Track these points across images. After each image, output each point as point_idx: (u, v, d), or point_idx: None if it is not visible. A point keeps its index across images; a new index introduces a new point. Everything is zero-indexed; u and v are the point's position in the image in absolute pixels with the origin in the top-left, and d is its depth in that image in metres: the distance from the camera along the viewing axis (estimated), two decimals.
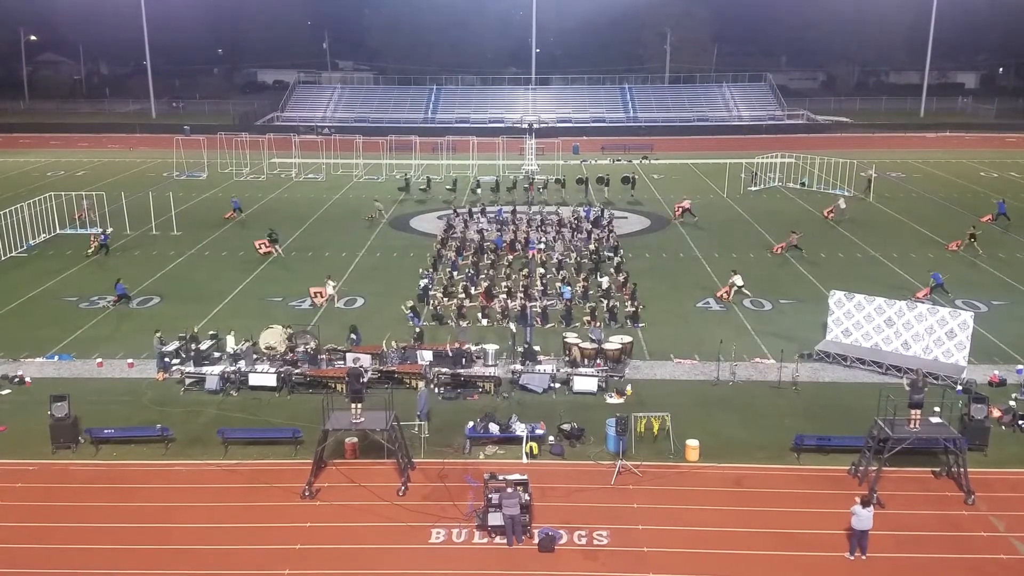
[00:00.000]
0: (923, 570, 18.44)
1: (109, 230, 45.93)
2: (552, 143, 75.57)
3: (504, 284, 35.89)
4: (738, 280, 35.95)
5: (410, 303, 33.53)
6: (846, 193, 55.81)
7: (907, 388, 21.99)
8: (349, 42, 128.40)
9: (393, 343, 28.57)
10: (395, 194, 57.56)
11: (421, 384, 26.75)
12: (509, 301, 33.57)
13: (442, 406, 26.11)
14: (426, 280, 36.23)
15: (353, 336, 29.86)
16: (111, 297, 35.31)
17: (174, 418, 24.98)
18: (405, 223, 50.53)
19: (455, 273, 38.34)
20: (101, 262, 41.93)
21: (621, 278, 36.92)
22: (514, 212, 49.45)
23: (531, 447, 23.06)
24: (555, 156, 72.37)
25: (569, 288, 35.21)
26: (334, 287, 35.71)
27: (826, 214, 50.91)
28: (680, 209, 50.97)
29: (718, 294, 35.96)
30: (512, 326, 30.49)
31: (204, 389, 26.94)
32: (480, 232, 44.98)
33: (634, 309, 33.09)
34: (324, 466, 22.19)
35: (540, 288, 35.79)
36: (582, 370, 27.48)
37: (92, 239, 43.86)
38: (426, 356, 27.88)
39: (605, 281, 36.27)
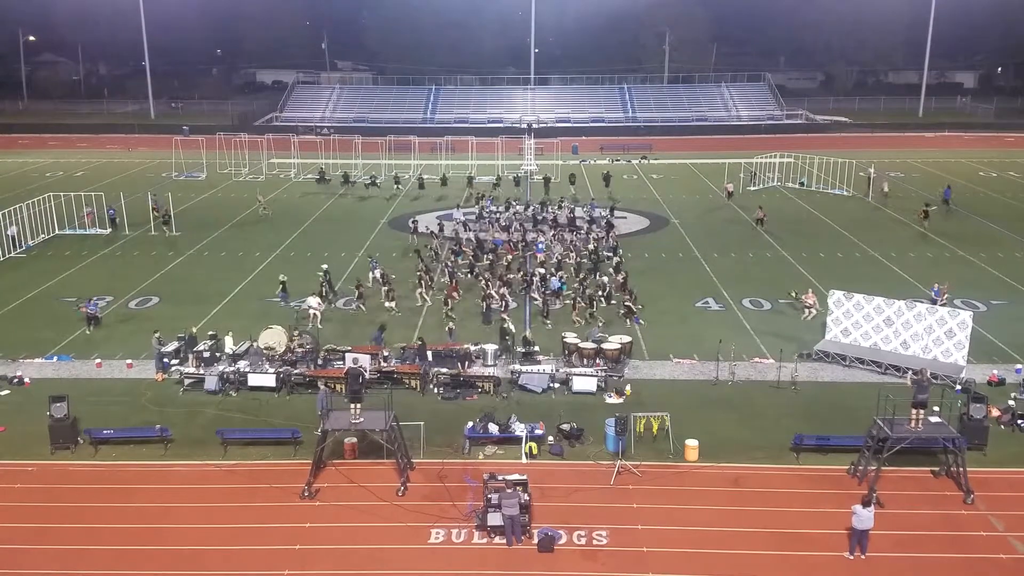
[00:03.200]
0: (922, 570, 18.44)
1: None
2: (551, 143, 75.59)
3: (487, 281, 36.02)
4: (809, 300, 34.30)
5: (283, 277, 34.37)
6: (890, 174, 59.38)
7: (912, 386, 21.97)
8: (348, 42, 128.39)
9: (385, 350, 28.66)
10: (311, 188, 59.91)
11: (321, 383, 26.61)
12: (489, 294, 33.94)
13: (442, 406, 26.14)
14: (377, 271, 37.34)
15: (380, 335, 29.86)
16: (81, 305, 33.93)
17: (173, 419, 24.97)
18: (404, 223, 50.49)
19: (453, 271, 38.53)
20: (101, 264, 42.02)
21: (620, 278, 36.91)
22: (510, 208, 49.82)
23: (530, 447, 23.06)
24: (554, 156, 72.38)
25: (556, 279, 35.63)
26: (318, 303, 33.37)
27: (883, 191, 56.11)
28: (727, 192, 55.42)
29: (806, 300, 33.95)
30: (511, 326, 30.45)
31: (203, 389, 26.94)
32: (476, 236, 45.01)
33: (628, 307, 33.10)
34: (323, 466, 22.18)
35: (540, 287, 35.84)
36: (581, 370, 27.48)
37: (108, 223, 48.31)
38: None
39: (605, 281, 36.27)
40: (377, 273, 37.75)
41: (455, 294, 35.24)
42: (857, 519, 18.62)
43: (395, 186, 59.12)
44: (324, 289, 35.48)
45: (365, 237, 47.00)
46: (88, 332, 32.26)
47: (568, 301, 33.90)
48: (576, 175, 61.49)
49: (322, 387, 26.15)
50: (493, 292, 34.25)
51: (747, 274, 39.76)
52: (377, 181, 59.81)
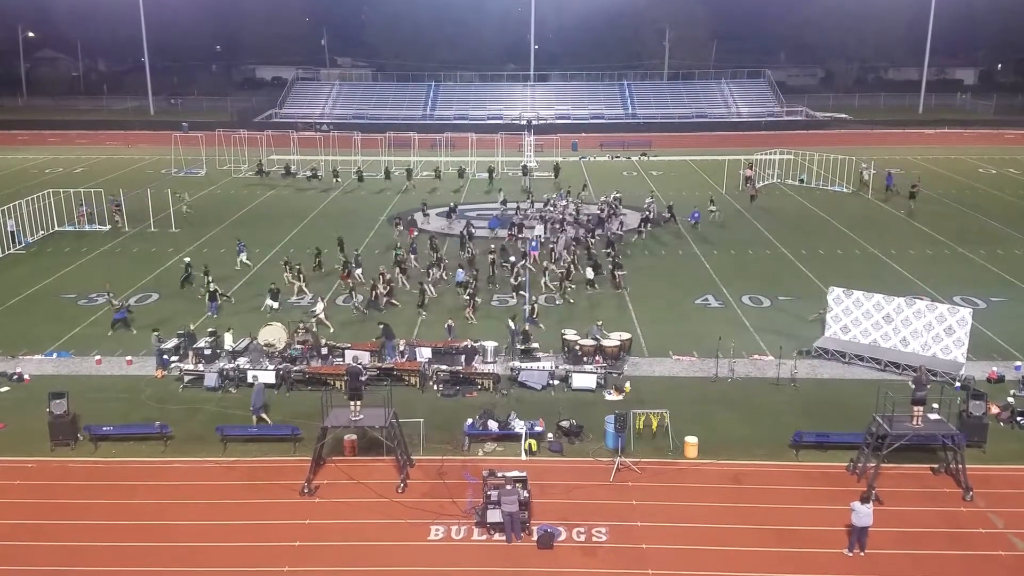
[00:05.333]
0: (921, 566, 18.46)
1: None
2: (551, 140, 75.56)
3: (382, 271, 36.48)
4: None
5: (213, 287, 34.34)
6: (870, 169, 58.62)
7: (911, 385, 21.97)
8: (347, 39, 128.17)
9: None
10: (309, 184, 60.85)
11: (254, 378, 26.61)
12: (379, 285, 34.54)
13: (441, 403, 26.15)
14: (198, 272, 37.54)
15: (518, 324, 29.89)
16: (109, 296, 34.77)
17: (173, 415, 24.99)
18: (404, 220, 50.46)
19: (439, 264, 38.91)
20: (100, 260, 42.00)
21: (619, 275, 36.87)
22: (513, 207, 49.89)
23: (530, 444, 23.08)
24: (554, 152, 72.34)
25: (462, 271, 36.45)
26: (323, 308, 32.84)
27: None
28: (747, 178, 56.26)
29: None
30: (511, 323, 30.43)
31: (203, 386, 26.93)
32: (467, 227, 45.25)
33: (532, 307, 32.89)
34: (323, 463, 22.19)
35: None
36: (581, 367, 27.47)
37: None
38: (424, 353, 27.90)
39: (589, 272, 36.55)
40: (243, 257, 39.63)
41: (348, 281, 36.16)
42: (856, 516, 18.63)
43: (334, 179, 61.03)
44: (183, 281, 36.71)
45: (365, 233, 46.96)
46: (111, 333, 31.81)
47: (466, 297, 33.99)
48: (528, 167, 63.46)
49: (256, 382, 26.10)
50: (380, 282, 34.78)
51: (747, 271, 39.76)
52: (318, 174, 61.86)
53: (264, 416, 24.54)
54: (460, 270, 36.87)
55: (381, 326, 28.98)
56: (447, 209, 50.11)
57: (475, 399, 26.22)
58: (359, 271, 37.41)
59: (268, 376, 26.95)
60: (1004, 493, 21.14)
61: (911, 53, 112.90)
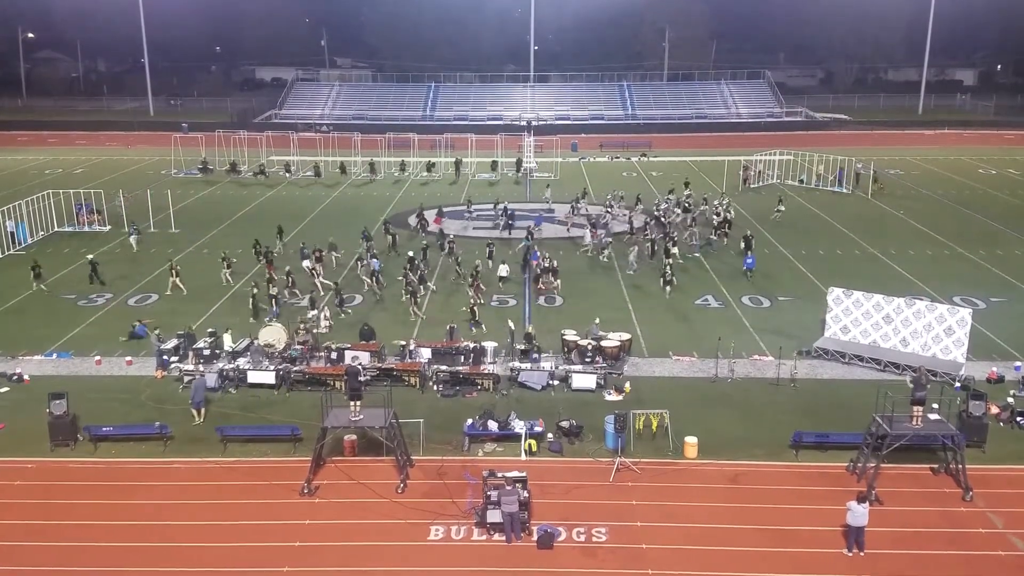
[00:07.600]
0: (921, 566, 18.47)
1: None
2: (551, 140, 75.53)
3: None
4: None
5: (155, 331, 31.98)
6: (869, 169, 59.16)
7: (910, 385, 21.98)
8: (347, 39, 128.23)
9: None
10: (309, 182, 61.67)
11: (198, 373, 26.72)
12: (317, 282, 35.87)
13: (441, 403, 26.16)
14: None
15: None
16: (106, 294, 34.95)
17: (173, 416, 24.98)
18: (403, 220, 50.47)
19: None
20: (100, 261, 41.99)
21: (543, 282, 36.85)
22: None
23: (530, 444, 23.09)
24: (554, 153, 72.34)
25: (377, 261, 37.68)
26: (325, 316, 32.32)
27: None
28: (746, 171, 57.47)
29: None
30: (510, 323, 30.43)
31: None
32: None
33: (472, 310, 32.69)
34: (323, 463, 22.20)
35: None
36: (580, 367, 27.47)
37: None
38: (424, 353, 27.91)
39: (503, 269, 37.42)
40: (133, 240, 41.59)
41: (272, 274, 36.70)
42: (852, 515, 18.65)
43: (285, 174, 63.34)
44: (92, 278, 37.52)
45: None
46: (123, 339, 31.34)
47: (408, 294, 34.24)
48: (459, 161, 65.99)
49: (199, 376, 26.15)
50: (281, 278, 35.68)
51: (746, 271, 39.69)
52: (265, 171, 63.79)
53: (199, 411, 24.80)
54: (375, 260, 37.59)
55: (365, 327, 28.99)
56: (503, 211, 48.67)
57: (475, 399, 26.22)
58: (305, 263, 38.32)
59: (267, 376, 26.99)
60: (1004, 493, 21.15)
61: (911, 54, 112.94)
